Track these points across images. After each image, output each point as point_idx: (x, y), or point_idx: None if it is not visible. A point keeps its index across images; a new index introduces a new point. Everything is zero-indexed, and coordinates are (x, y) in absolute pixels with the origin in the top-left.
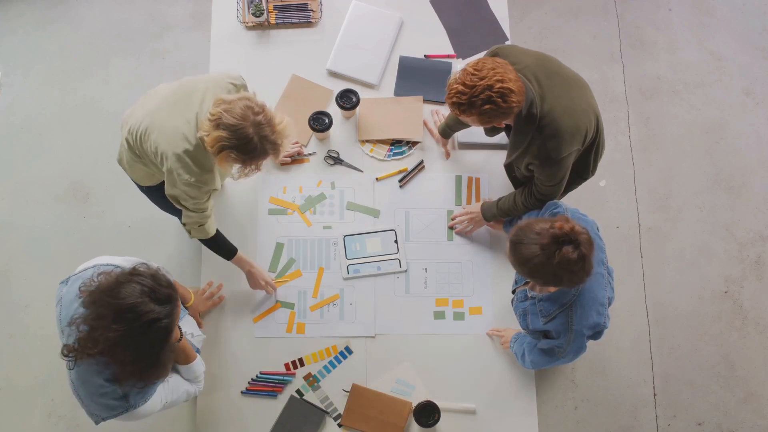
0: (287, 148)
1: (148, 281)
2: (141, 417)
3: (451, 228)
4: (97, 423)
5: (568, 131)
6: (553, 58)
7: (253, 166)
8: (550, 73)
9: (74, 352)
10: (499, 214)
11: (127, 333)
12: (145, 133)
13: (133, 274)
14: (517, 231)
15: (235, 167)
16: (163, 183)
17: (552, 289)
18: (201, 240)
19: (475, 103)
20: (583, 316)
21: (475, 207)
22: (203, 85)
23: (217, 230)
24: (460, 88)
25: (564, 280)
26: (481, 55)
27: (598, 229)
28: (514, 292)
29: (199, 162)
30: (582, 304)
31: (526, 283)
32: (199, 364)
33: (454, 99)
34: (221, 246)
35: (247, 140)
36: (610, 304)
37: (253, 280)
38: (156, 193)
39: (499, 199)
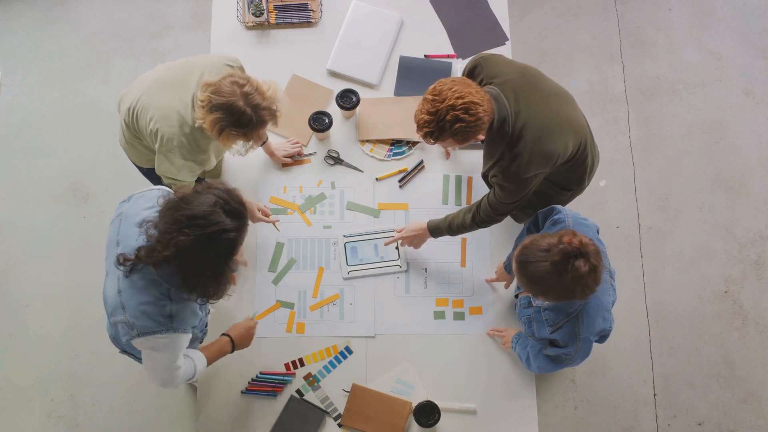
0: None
1: (223, 195)
2: (173, 349)
3: (386, 245)
4: (128, 339)
5: (538, 151)
6: (537, 71)
7: (256, 138)
8: (530, 88)
9: (132, 260)
10: (448, 232)
11: (197, 239)
12: (142, 111)
13: (210, 187)
14: (523, 250)
15: (239, 143)
16: None
17: None
18: None
19: (444, 126)
20: (590, 324)
21: (419, 225)
22: (200, 66)
23: None
24: (426, 117)
25: (577, 293)
26: (465, 62)
27: (598, 231)
28: (517, 296)
29: (195, 142)
30: (588, 313)
31: None
32: (203, 366)
33: (425, 129)
34: None
35: (240, 113)
36: (612, 305)
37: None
38: (156, 176)
39: (447, 217)
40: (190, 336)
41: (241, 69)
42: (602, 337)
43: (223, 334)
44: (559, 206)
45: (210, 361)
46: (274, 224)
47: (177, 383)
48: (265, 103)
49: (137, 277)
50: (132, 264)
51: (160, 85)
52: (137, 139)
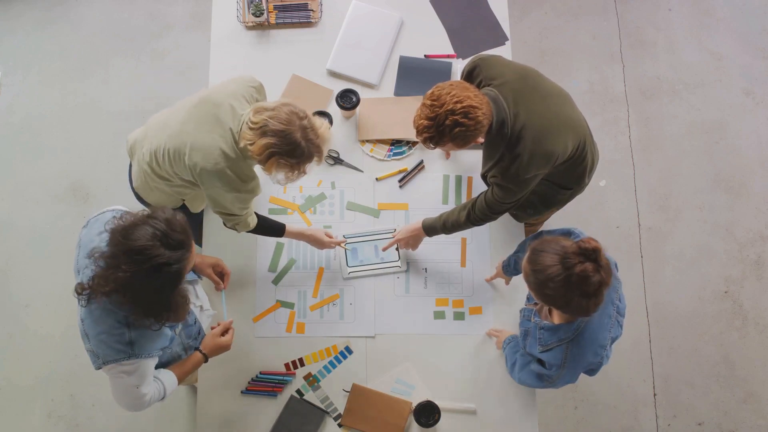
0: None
1: (161, 225)
2: (139, 375)
3: (384, 250)
4: (97, 367)
5: (538, 152)
6: (536, 71)
7: (299, 171)
8: (529, 89)
9: (88, 290)
10: (443, 231)
11: (135, 275)
12: (176, 154)
13: (149, 217)
14: (542, 241)
15: (281, 173)
16: (182, 206)
17: (556, 321)
18: (248, 231)
19: (444, 131)
20: (579, 355)
21: (414, 225)
22: (226, 97)
23: (258, 215)
24: (425, 122)
25: (573, 302)
26: (465, 62)
27: (616, 267)
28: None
29: (242, 174)
30: (580, 344)
31: (535, 304)
32: (174, 386)
33: (424, 135)
34: (268, 229)
35: (295, 145)
36: (614, 341)
37: (316, 243)
38: None
39: (441, 215)
40: (156, 360)
41: (262, 86)
42: (591, 371)
43: (197, 349)
44: (573, 228)
45: (181, 379)
46: (342, 245)
47: (145, 407)
48: (318, 141)
49: (95, 306)
50: (88, 294)
51: (192, 125)
52: (164, 180)
